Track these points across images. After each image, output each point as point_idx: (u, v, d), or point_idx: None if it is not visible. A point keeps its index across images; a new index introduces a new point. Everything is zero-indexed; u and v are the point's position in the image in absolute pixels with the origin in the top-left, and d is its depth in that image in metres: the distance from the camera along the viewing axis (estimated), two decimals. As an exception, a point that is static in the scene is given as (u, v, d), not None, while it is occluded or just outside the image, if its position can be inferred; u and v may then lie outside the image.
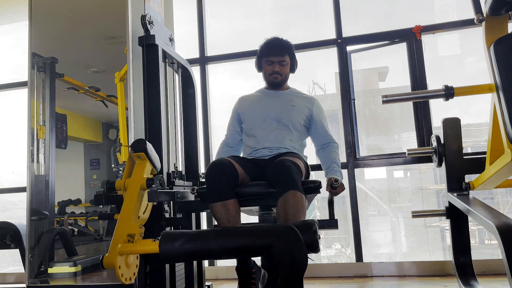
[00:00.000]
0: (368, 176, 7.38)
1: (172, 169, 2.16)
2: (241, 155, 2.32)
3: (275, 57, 2.23)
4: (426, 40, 3.12)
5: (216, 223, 1.89)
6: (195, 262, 2.22)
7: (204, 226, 2.58)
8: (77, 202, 2.84)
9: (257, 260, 1.98)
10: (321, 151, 2.24)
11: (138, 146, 1.68)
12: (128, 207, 1.64)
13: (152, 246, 1.52)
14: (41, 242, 2.54)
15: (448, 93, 1.79)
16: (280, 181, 1.79)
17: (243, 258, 1.80)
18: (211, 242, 1.48)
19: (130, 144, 1.70)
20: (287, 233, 1.42)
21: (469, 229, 2.28)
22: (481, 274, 2.61)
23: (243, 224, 1.86)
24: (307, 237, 1.44)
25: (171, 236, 1.51)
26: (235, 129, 2.35)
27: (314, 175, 2.60)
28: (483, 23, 1.68)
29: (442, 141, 2.27)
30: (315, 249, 1.46)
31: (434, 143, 2.35)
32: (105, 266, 1.50)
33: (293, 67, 2.31)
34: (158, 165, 1.78)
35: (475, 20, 1.69)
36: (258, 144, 2.19)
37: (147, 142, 1.70)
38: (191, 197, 2.21)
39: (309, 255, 1.44)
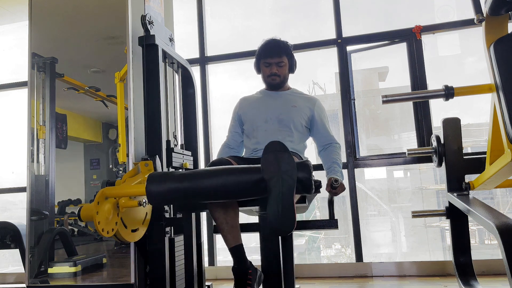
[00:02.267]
0: (368, 176, 7.38)
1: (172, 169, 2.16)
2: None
3: (273, 59, 2.22)
4: (426, 40, 3.12)
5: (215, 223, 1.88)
6: (195, 262, 2.21)
7: (204, 226, 2.58)
8: (77, 202, 2.84)
9: (255, 261, 1.97)
10: (323, 151, 2.24)
11: (148, 155, 1.75)
12: (121, 182, 1.60)
13: (138, 188, 1.47)
14: (41, 242, 2.54)
15: (448, 93, 1.79)
16: None
17: (233, 199, 1.72)
18: (199, 181, 1.44)
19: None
20: (272, 145, 1.39)
21: (469, 229, 2.28)
22: (481, 274, 2.61)
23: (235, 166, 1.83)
24: (301, 176, 1.40)
25: (158, 177, 1.47)
26: (236, 131, 2.35)
27: (314, 175, 2.60)
28: (483, 23, 1.68)
29: (442, 141, 2.27)
30: (309, 188, 1.42)
31: (434, 143, 2.35)
32: (82, 217, 1.41)
33: (291, 68, 2.30)
34: None
35: (475, 20, 1.69)
36: (259, 146, 2.19)
37: (157, 156, 1.76)
38: (191, 197, 2.21)
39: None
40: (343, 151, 3.13)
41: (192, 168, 2.33)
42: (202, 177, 1.45)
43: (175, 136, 2.24)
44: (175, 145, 2.17)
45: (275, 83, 2.26)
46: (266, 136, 2.19)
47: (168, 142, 2.10)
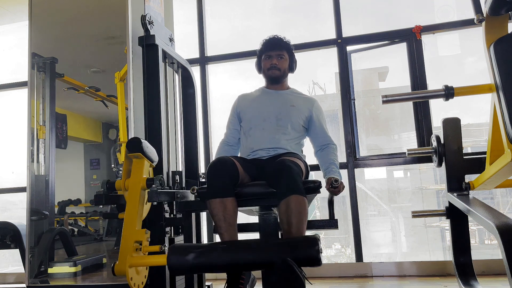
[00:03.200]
0: (368, 176, 7.38)
1: (172, 169, 2.16)
2: (239, 155, 2.31)
3: (273, 51, 2.24)
4: (426, 40, 3.12)
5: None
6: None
7: (204, 226, 2.58)
8: (77, 202, 2.84)
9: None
10: (319, 152, 2.23)
11: (133, 147, 1.69)
12: (132, 214, 1.66)
13: (160, 259, 1.62)
14: (41, 242, 2.54)
15: (448, 93, 1.79)
16: (282, 183, 1.78)
17: (249, 271, 1.89)
18: (217, 257, 1.57)
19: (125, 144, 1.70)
20: (284, 265, 1.50)
21: (469, 229, 2.28)
22: (481, 274, 2.61)
23: (249, 239, 1.87)
24: (309, 253, 1.50)
25: (179, 249, 1.60)
26: (235, 128, 2.34)
27: (314, 175, 2.60)
28: (483, 23, 1.68)
29: (442, 141, 2.27)
30: (317, 264, 1.51)
31: (434, 143, 2.35)
32: (116, 273, 1.57)
33: (291, 66, 2.30)
34: (156, 158, 1.78)
35: (475, 20, 1.69)
36: (256, 145, 2.19)
37: (141, 140, 1.69)
38: (191, 197, 2.21)
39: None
40: (343, 151, 3.13)
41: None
42: (221, 252, 1.58)
43: (177, 175, 2.23)
44: (177, 182, 2.16)
45: (275, 76, 2.26)
46: (263, 134, 2.19)
47: (171, 183, 2.09)
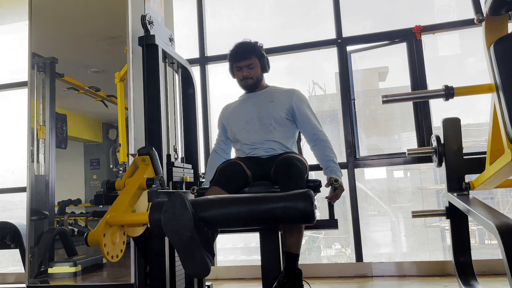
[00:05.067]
0: (368, 176, 7.37)
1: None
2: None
3: (242, 62, 2.22)
4: (426, 40, 3.12)
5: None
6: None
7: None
8: (77, 202, 2.84)
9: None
10: (314, 148, 2.20)
11: (144, 150, 1.75)
12: (122, 197, 1.60)
13: (141, 216, 1.45)
14: (41, 242, 2.54)
15: (448, 93, 1.79)
16: (290, 183, 1.84)
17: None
18: (208, 210, 1.44)
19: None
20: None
21: (469, 229, 2.28)
22: (481, 274, 2.61)
23: (240, 195, 1.81)
24: (303, 207, 1.43)
25: (161, 206, 1.43)
26: (221, 139, 2.40)
27: (314, 175, 2.60)
28: (483, 23, 1.68)
29: (442, 141, 2.27)
30: (312, 219, 1.45)
31: (434, 143, 2.35)
32: (89, 243, 1.40)
33: (264, 67, 2.28)
34: (160, 172, 1.80)
35: (475, 20, 1.69)
36: (245, 147, 2.20)
37: (153, 148, 1.75)
38: (191, 197, 2.21)
39: None
40: (343, 151, 3.13)
41: (193, 180, 2.36)
42: (212, 206, 1.47)
43: (176, 149, 2.23)
44: (176, 159, 2.17)
45: (249, 84, 2.27)
46: (248, 136, 2.20)
47: (168, 156, 2.09)
